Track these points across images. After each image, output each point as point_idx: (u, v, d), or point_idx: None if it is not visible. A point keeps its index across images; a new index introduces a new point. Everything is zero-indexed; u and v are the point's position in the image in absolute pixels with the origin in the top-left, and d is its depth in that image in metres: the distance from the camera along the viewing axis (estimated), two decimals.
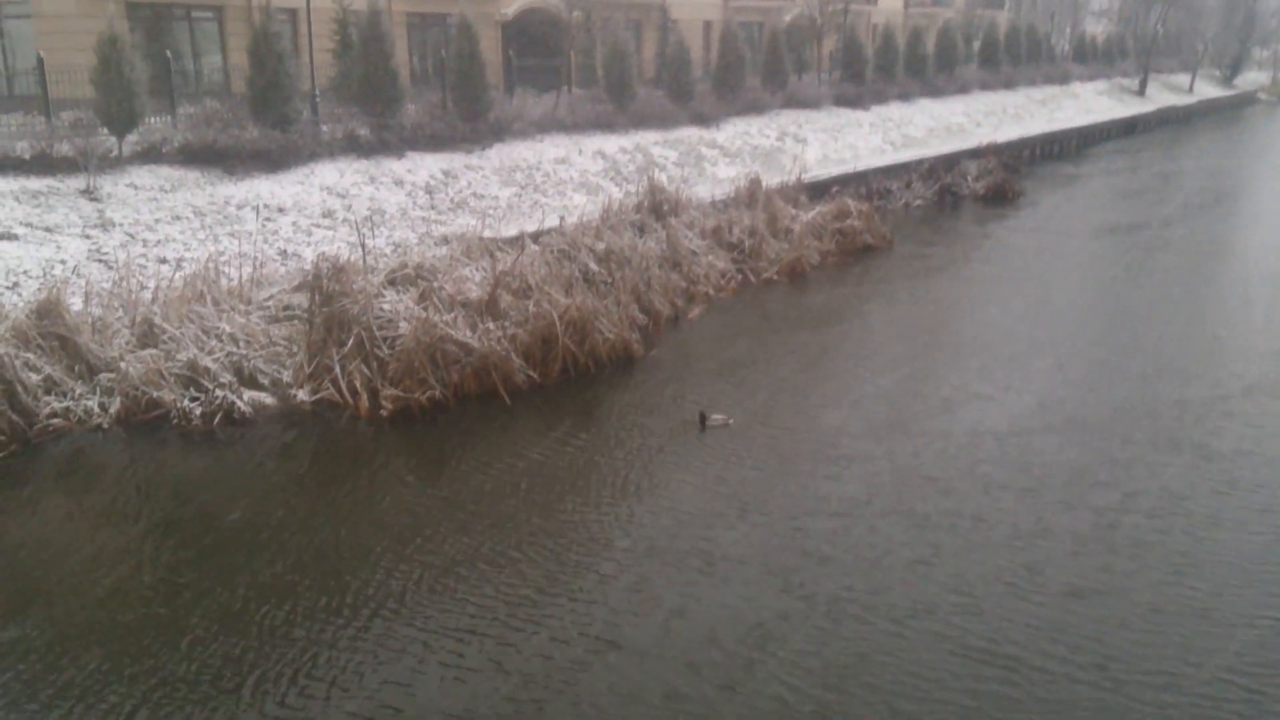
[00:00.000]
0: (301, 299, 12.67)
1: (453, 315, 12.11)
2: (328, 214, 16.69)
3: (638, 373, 12.62)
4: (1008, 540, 8.28)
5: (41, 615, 7.43)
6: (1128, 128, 42.70)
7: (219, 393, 11.16)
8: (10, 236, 13.87)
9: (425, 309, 12.10)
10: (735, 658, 6.77)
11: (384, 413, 11.23)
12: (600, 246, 15.15)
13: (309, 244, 15.38)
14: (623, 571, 7.91)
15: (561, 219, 16.42)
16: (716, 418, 10.70)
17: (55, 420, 10.71)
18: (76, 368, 11.29)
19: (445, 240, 16.10)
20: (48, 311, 11.36)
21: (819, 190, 22.14)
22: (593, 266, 14.56)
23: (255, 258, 14.21)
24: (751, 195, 19.26)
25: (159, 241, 14.61)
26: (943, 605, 7.33)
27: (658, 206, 17.75)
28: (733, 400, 11.43)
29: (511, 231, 16.24)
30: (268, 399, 11.40)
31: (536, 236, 15.46)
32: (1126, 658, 6.69)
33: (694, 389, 11.90)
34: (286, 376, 11.72)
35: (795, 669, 6.63)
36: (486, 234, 15.71)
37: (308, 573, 7.95)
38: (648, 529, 8.56)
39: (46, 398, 10.86)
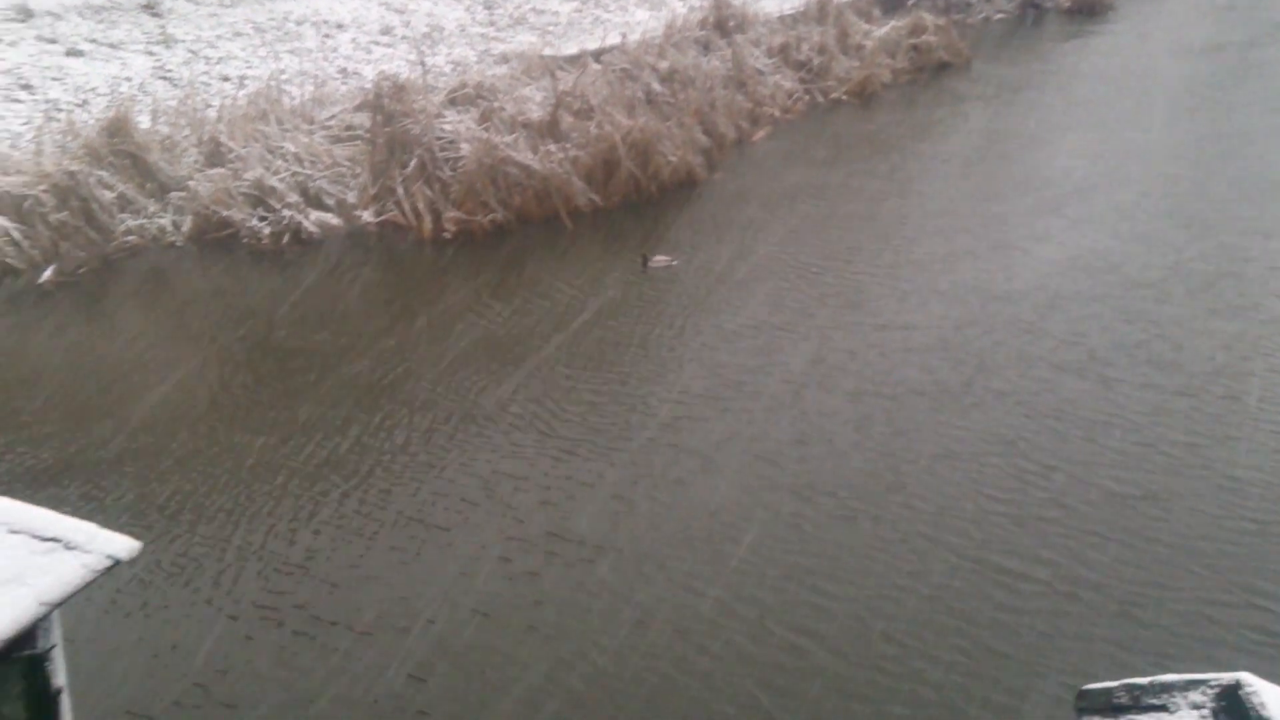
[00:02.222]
0: (363, 119, 12.65)
1: (514, 137, 12.02)
2: (386, 30, 16.40)
3: (699, 198, 12.49)
4: (1042, 428, 7.29)
5: (113, 424, 7.87)
6: None
7: (286, 213, 11.35)
8: (77, 53, 13.92)
9: (486, 130, 12.02)
10: (703, 545, 6.30)
11: (446, 235, 11.35)
12: (664, 66, 14.73)
13: (369, 62, 15.20)
14: (648, 423, 7.72)
15: (624, 36, 15.93)
16: (659, 259, 10.43)
17: (131, 238, 11.02)
18: (148, 186, 11.52)
19: (505, 59, 15.78)
20: (118, 129, 11.52)
21: (894, 3, 21.07)
22: (656, 87, 14.21)
23: (316, 76, 14.12)
24: (822, 9, 18.41)
25: (221, 59, 14.55)
26: (949, 510, 6.51)
27: (723, 23, 17.11)
28: (781, 235, 11.15)
29: (572, 49, 15.83)
30: (333, 219, 11.57)
31: (598, 55, 15.06)
32: (1171, 580, 5.82)
33: (751, 218, 11.71)
34: (351, 197, 11.85)
35: (764, 571, 6.06)
36: (547, 52, 15.35)
37: (349, 398, 8.15)
38: (685, 377, 8.35)
39: (121, 215, 11.15)
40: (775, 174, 13.30)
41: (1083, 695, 3.68)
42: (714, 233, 11.35)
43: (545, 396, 8.06)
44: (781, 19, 18.16)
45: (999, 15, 23.73)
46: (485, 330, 9.28)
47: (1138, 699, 3.53)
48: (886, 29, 18.45)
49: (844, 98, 16.57)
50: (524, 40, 16.71)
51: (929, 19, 19.05)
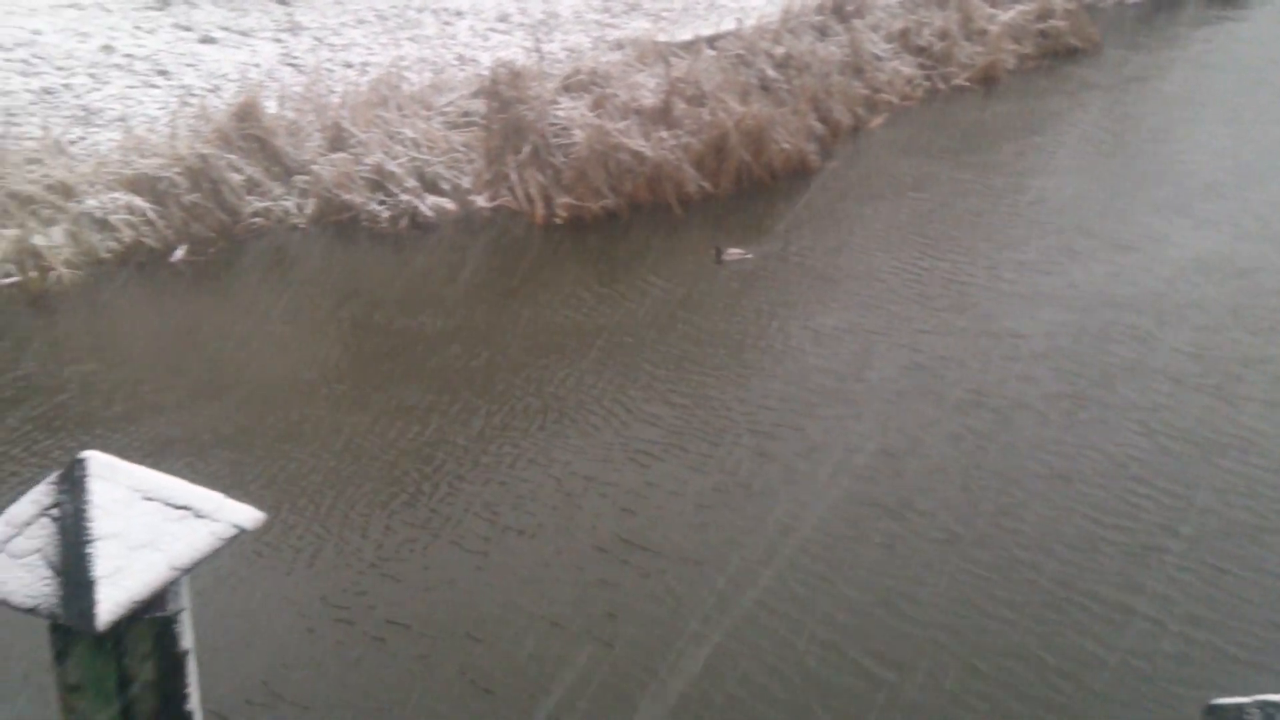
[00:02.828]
0: (479, 105, 12.82)
1: (626, 123, 12.03)
2: (504, 18, 16.59)
3: (812, 186, 12.29)
4: (1158, 448, 6.78)
5: (221, 399, 8.14)
6: None
7: (404, 197, 11.59)
8: (210, 40, 14.48)
9: (599, 117, 12.06)
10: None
11: (559, 220, 11.44)
12: (779, 51, 14.54)
13: (485, 48, 15.39)
14: (764, 414, 7.59)
15: (739, 21, 15.78)
16: (733, 252, 10.21)
17: (257, 219, 11.40)
18: (274, 169, 11.90)
19: (619, 45, 15.79)
20: (246, 114, 11.92)
21: None
22: (770, 73, 14.04)
23: (435, 63, 14.37)
24: None
25: (344, 46, 14.94)
26: (1053, 535, 6.07)
27: (841, 7, 16.76)
28: (887, 229, 10.84)
29: (686, 35, 15.74)
30: (449, 204, 11.78)
31: (713, 41, 14.96)
32: None
33: (859, 210, 11.44)
34: (466, 182, 12.03)
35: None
36: (661, 38, 15.30)
37: (439, 382, 8.24)
38: (792, 372, 8.16)
39: (249, 197, 11.55)
40: (889, 163, 13.00)
41: (1211, 711, 3.49)
42: (820, 224, 11.13)
43: (630, 393, 7.96)
44: (902, 3, 17.69)
45: None
46: (582, 318, 9.29)
47: (1272, 716, 3.35)
48: (1013, 13, 17.81)
49: (966, 84, 16.08)
50: (638, 26, 16.69)
51: (1059, 2, 18.34)
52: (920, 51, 16.39)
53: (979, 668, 5.31)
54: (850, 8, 16.78)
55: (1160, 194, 11.51)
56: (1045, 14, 18.00)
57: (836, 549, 6.18)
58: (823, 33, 15.90)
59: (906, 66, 15.93)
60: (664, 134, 12.01)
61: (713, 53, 14.10)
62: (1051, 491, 6.56)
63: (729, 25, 15.84)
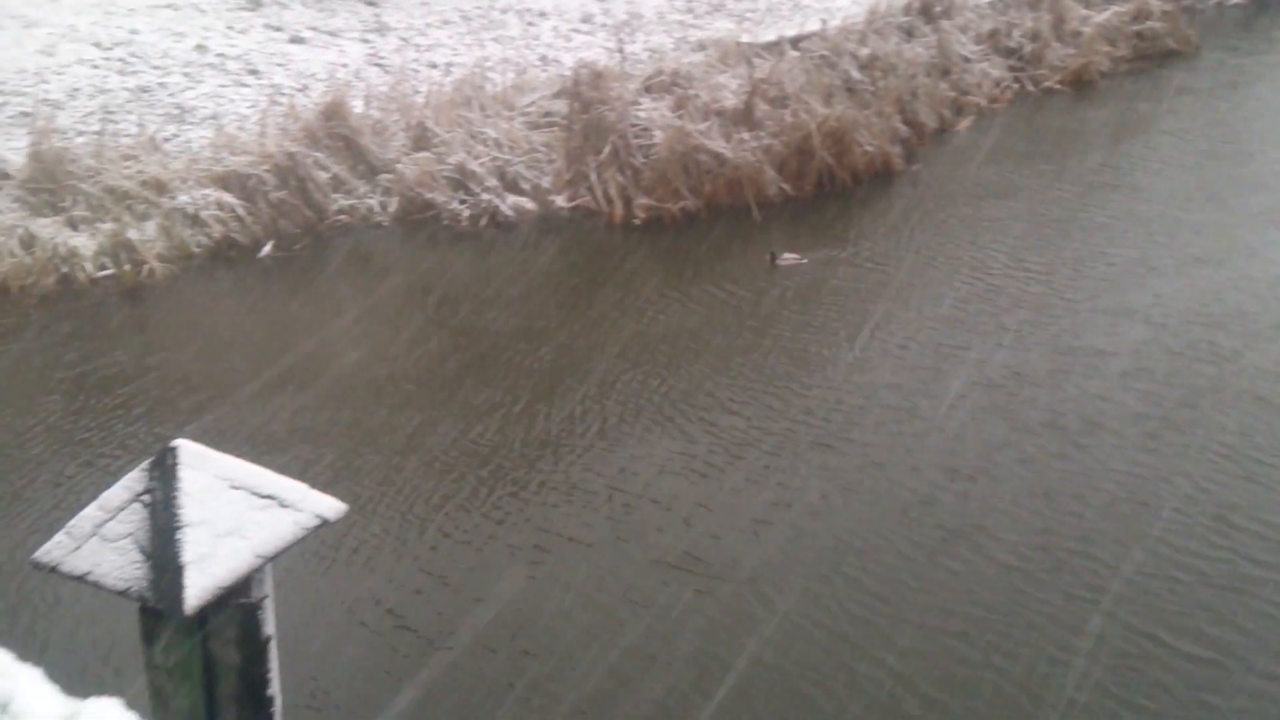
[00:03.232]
0: (561, 106, 12.87)
1: (707, 124, 11.96)
2: (587, 18, 16.65)
3: (895, 190, 12.06)
4: (1244, 476, 6.44)
5: (291, 394, 8.22)
6: None
7: (484, 196, 11.69)
8: (299, 40, 14.79)
9: (680, 118, 12.01)
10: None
11: (637, 221, 11.41)
12: (864, 52, 14.33)
13: (568, 49, 15.47)
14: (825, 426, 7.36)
15: (824, 22, 15.60)
16: (788, 256, 10.03)
17: (342, 216, 11.60)
18: (359, 168, 12.09)
19: (702, 46, 15.73)
20: (333, 113, 12.14)
21: None
22: (855, 74, 13.84)
23: (518, 63, 14.48)
24: None
25: (429, 46, 15.14)
26: (1130, 568, 5.74)
27: (929, 7, 16.46)
28: (966, 237, 10.52)
29: (770, 36, 15.61)
30: (528, 204, 11.84)
31: (796, 42, 14.81)
32: None
33: (941, 216, 11.09)
34: (546, 182, 12.08)
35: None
36: (744, 39, 15.21)
37: (503, 383, 8.23)
38: (866, 382, 7.92)
39: (334, 195, 11.75)
40: (973, 168, 12.64)
41: None
42: (896, 229, 10.83)
43: (692, 400, 7.85)
44: (992, 4, 17.32)
45: (1234, 0, 21.92)
46: (650, 321, 9.21)
47: None
48: (1107, 14, 17.30)
49: (1056, 87, 15.65)
50: (721, 27, 16.61)
51: (1155, 4, 17.76)
52: (1010, 53, 16.00)
53: (1046, 702, 5.08)
54: (938, 8, 16.47)
55: (1255, 205, 10.96)
56: (1141, 15, 17.44)
57: (899, 571, 5.97)
58: (909, 34, 15.63)
59: (995, 68, 15.56)
60: (745, 135, 11.91)
61: (796, 54, 13.96)
62: (1129, 519, 6.21)
63: (813, 26, 15.66)
